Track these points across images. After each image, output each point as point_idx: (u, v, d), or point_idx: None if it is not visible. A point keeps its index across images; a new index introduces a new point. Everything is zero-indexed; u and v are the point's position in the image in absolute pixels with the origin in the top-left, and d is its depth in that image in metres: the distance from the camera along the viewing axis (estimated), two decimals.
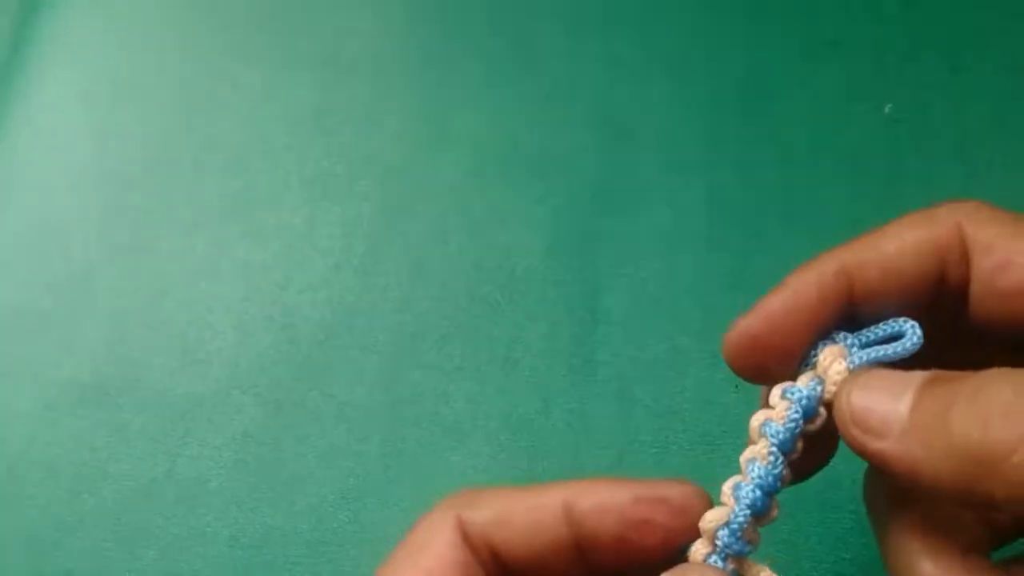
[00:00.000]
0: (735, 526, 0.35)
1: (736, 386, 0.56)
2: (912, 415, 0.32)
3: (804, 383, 0.36)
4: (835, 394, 0.35)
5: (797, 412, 0.36)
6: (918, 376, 0.33)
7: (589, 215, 0.62)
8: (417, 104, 0.66)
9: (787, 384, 0.37)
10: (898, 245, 0.36)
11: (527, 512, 0.35)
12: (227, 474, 0.56)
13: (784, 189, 0.61)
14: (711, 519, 0.35)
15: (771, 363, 0.36)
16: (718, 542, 0.35)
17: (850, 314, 0.36)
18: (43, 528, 0.56)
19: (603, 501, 0.35)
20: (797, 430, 0.36)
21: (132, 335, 0.60)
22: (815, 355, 0.36)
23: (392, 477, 0.55)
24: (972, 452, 0.30)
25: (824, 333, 0.37)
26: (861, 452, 0.34)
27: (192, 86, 0.68)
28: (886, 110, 0.62)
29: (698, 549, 0.35)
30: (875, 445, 0.33)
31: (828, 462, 0.39)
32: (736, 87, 0.65)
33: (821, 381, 0.36)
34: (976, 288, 0.35)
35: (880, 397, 0.33)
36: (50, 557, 0.55)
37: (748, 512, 0.35)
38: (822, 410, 0.36)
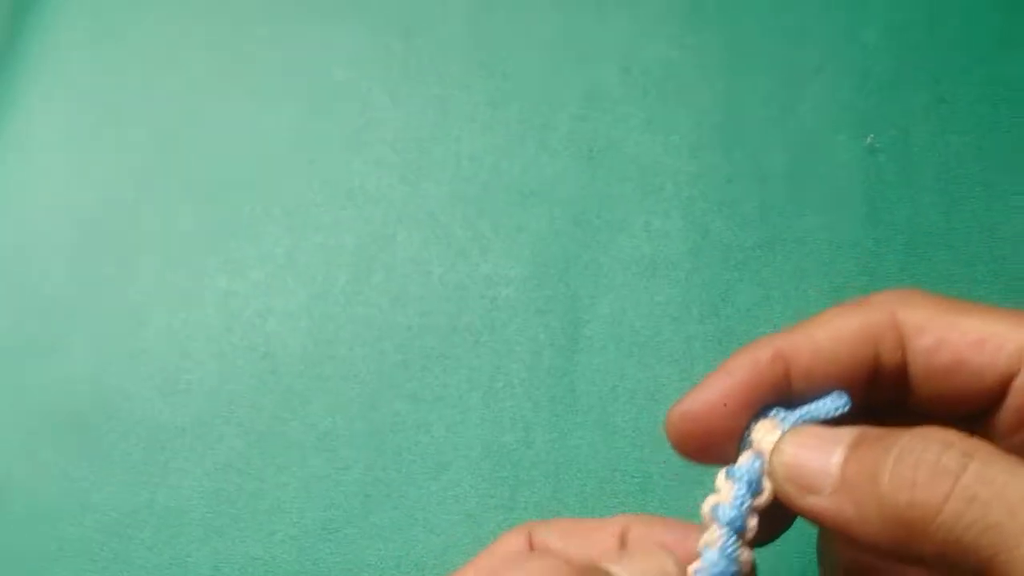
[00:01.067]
0: None
1: None
2: (843, 473, 0.33)
3: (745, 461, 0.37)
4: (769, 453, 0.36)
5: (742, 490, 0.36)
6: (847, 432, 0.34)
7: (569, 243, 0.62)
8: (398, 133, 0.66)
9: (729, 466, 0.37)
10: (830, 332, 0.37)
11: (590, 536, 0.37)
12: (208, 504, 0.56)
13: (764, 217, 0.61)
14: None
15: (713, 444, 0.37)
16: None
17: (787, 397, 0.37)
18: (24, 557, 0.55)
19: (650, 535, 0.37)
20: (745, 507, 0.36)
21: (112, 365, 0.60)
22: (749, 433, 0.37)
23: (373, 507, 0.55)
24: (901, 514, 0.31)
25: (760, 412, 0.37)
26: (796, 508, 0.35)
27: (173, 115, 0.68)
28: (868, 140, 0.62)
29: None
30: (808, 501, 0.34)
31: (789, 526, 0.39)
32: (717, 114, 0.65)
33: (760, 456, 0.36)
34: (914, 370, 0.36)
35: (811, 454, 0.34)
36: None
37: None
38: (767, 483, 0.37)
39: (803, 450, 0.34)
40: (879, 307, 0.37)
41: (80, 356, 0.60)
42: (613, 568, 0.34)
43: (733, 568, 0.36)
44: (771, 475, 0.36)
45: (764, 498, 0.37)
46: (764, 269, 0.59)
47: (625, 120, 0.66)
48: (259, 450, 0.57)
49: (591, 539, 0.37)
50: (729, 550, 0.36)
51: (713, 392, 0.37)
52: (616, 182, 0.63)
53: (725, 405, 0.37)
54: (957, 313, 0.36)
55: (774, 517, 0.37)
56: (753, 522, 0.37)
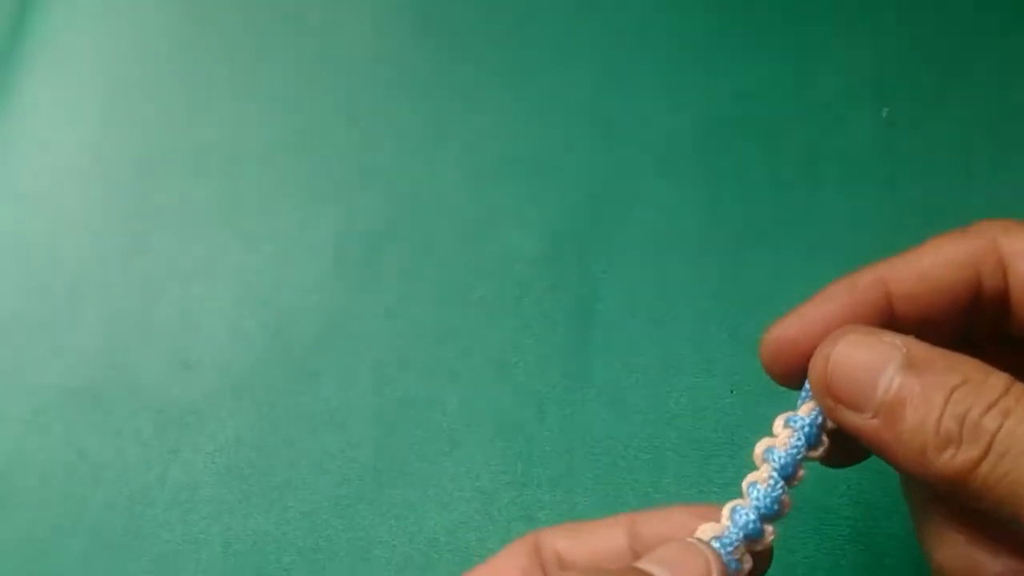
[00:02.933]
0: (728, 544, 0.36)
1: (732, 391, 0.56)
2: (889, 402, 0.34)
3: (806, 412, 0.37)
4: (812, 358, 0.36)
5: (800, 440, 0.37)
6: (897, 351, 0.34)
7: (583, 220, 0.61)
8: (411, 108, 0.66)
9: (789, 413, 0.37)
10: (934, 257, 0.37)
11: (595, 534, 0.38)
12: (220, 480, 0.56)
13: (779, 194, 0.61)
14: (705, 531, 0.36)
15: (802, 369, 0.38)
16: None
17: (889, 322, 0.37)
18: (35, 534, 0.55)
19: (663, 530, 0.37)
20: (799, 456, 0.37)
21: (124, 340, 0.60)
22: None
23: (385, 483, 0.55)
24: (940, 464, 0.33)
25: None
26: (830, 415, 0.36)
27: (185, 91, 0.67)
28: (884, 114, 0.61)
29: None
30: (845, 416, 0.35)
31: (864, 458, 0.40)
32: (730, 90, 0.65)
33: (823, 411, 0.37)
34: (1015, 295, 0.37)
35: (857, 370, 0.35)
36: (42, 563, 0.55)
37: (741, 534, 0.36)
38: (824, 438, 0.37)
39: (847, 361, 0.35)
40: (981, 234, 0.37)
41: (91, 331, 0.60)
42: (649, 566, 0.34)
43: (775, 508, 0.36)
44: (811, 379, 0.36)
45: (820, 452, 0.37)
46: (779, 244, 0.59)
47: (638, 96, 0.65)
48: (271, 426, 0.57)
49: (599, 535, 0.38)
50: (775, 491, 0.36)
51: (811, 316, 0.37)
52: (629, 158, 0.63)
53: (825, 327, 0.37)
54: None
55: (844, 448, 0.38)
56: (801, 472, 0.37)
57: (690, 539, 0.35)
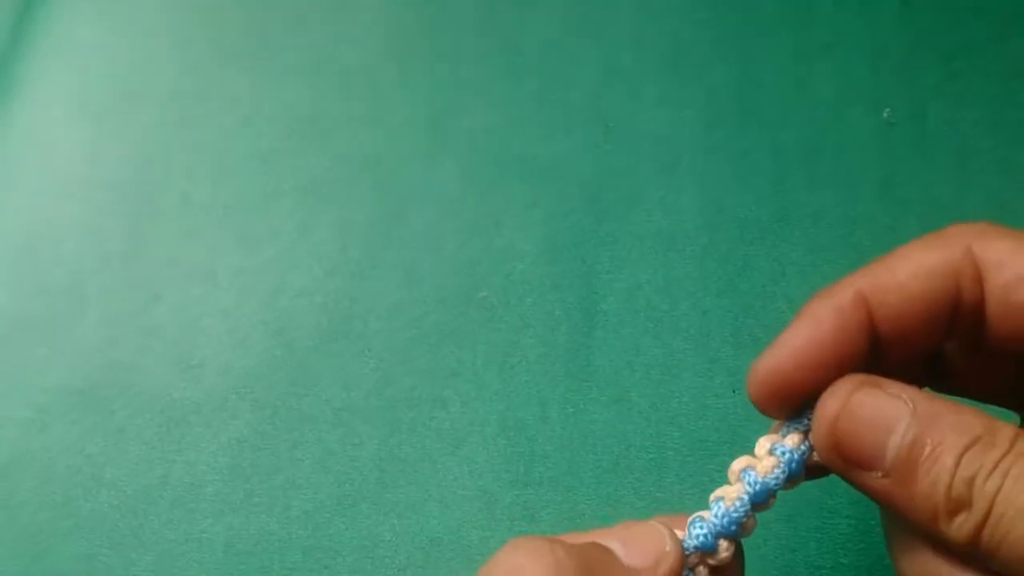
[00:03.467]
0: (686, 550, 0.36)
1: (734, 390, 0.56)
2: (899, 462, 0.33)
3: (794, 443, 0.37)
4: (817, 416, 0.35)
5: (783, 472, 0.36)
6: (904, 407, 0.34)
7: (584, 218, 0.61)
8: (410, 108, 0.66)
9: (775, 438, 0.37)
10: (911, 268, 0.36)
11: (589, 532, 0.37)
12: (223, 479, 0.56)
13: (779, 192, 0.61)
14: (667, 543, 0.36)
15: (797, 399, 0.37)
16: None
17: (873, 341, 0.37)
18: (38, 534, 0.55)
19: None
20: (776, 487, 0.36)
21: (126, 340, 0.60)
22: (809, 416, 0.36)
23: (388, 482, 0.55)
24: (949, 527, 0.33)
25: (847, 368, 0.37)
26: (839, 474, 0.35)
27: (185, 92, 0.67)
28: (885, 114, 0.62)
29: None
30: (857, 476, 0.34)
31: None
32: (731, 89, 0.65)
33: (810, 447, 0.36)
34: (992, 306, 0.36)
35: (865, 428, 0.34)
36: (45, 563, 0.55)
37: (694, 548, 0.36)
38: (802, 472, 0.37)
39: (856, 421, 0.34)
40: (955, 241, 0.36)
41: (93, 332, 0.60)
42: (608, 541, 0.34)
43: (732, 529, 0.36)
44: (816, 437, 0.35)
45: (796, 483, 0.37)
46: (779, 243, 0.59)
47: (639, 95, 0.66)
48: (273, 426, 0.57)
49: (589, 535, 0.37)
50: (737, 513, 0.36)
51: (800, 345, 0.36)
52: (631, 157, 0.63)
53: (814, 358, 0.36)
54: None
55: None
56: (772, 500, 0.37)
57: (650, 520, 0.36)
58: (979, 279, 0.36)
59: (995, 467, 0.31)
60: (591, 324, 0.58)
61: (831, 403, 0.35)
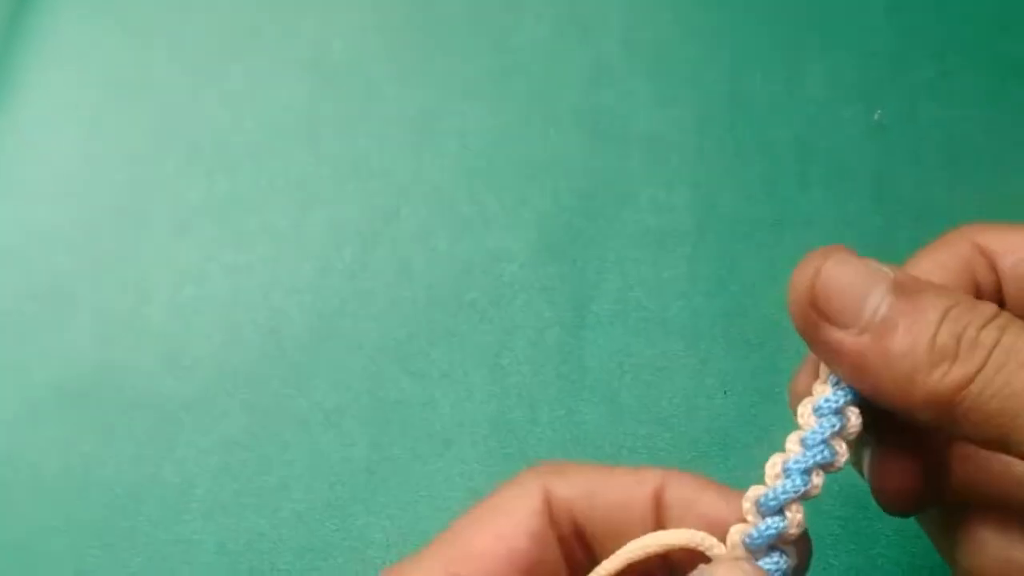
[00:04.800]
0: (775, 498, 0.34)
1: (725, 391, 0.56)
2: (880, 318, 0.33)
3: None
4: (796, 272, 0.35)
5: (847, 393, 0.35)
6: (886, 272, 0.34)
7: (575, 218, 0.61)
8: (402, 106, 0.66)
9: (811, 402, 0.36)
10: (928, 265, 0.38)
11: (618, 489, 0.35)
12: (213, 480, 0.56)
13: (771, 192, 0.61)
14: (750, 495, 0.35)
15: None
16: (754, 522, 0.35)
17: None
18: (28, 534, 0.55)
19: (692, 500, 0.35)
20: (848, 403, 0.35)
21: (117, 339, 0.60)
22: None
23: (378, 484, 0.55)
24: (932, 384, 0.32)
25: None
26: (808, 336, 0.35)
27: (177, 90, 0.67)
28: (876, 116, 0.62)
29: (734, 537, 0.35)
30: (829, 333, 0.34)
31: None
32: (722, 88, 0.65)
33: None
34: (1008, 287, 0.37)
35: (845, 283, 0.34)
36: (34, 563, 0.55)
37: (788, 496, 0.35)
38: (852, 421, 0.35)
39: (837, 276, 0.34)
40: (959, 239, 0.38)
41: (84, 330, 0.60)
42: None
43: (826, 454, 0.35)
44: (792, 292, 0.35)
45: (846, 428, 0.35)
46: (771, 243, 0.59)
47: (630, 94, 0.65)
48: (264, 426, 0.57)
49: (620, 495, 0.35)
50: (825, 434, 0.35)
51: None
52: (621, 156, 0.63)
53: None
54: None
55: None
56: (843, 448, 0.35)
57: (732, 562, 0.34)
58: (992, 266, 0.37)
59: (988, 321, 0.32)
60: (582, 325, 0.58)
61: (814, 257, 0.35)
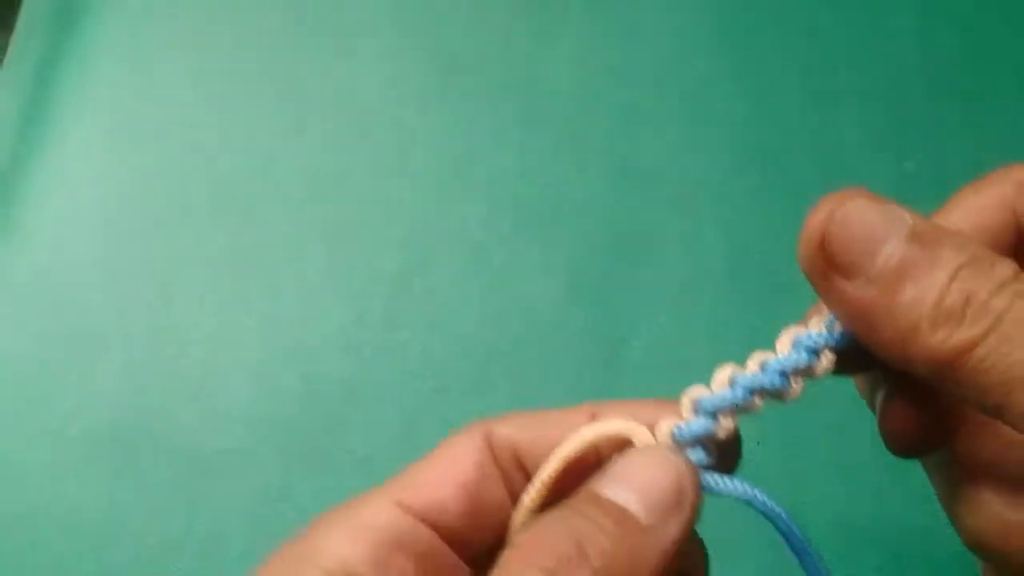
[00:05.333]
0: (696, 432, 0.35)
1: (758, 442, 0.55)
2: (889, 270, 0.31)
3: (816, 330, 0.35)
4: (809, 217, 0.34)
5: (797, 362, 0.35)
6: (903, 220, 0.32)
7: (606, 263, 0.62)
8: (434, 154, 0.66)
9: (801, 331, 0.36)
10: (967, 206, 0.36)
11: (554, 424, 0.35)
12: (248, 530, 0.56)
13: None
14: (693, 392, 0.35)
15: None
16: (694, 412, 0.35)
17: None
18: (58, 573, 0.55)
19: (623, 415, 0.35)
20: (788, 372, 0.35)
21: (150, 388, 0.60)
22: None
23: None
24: (935, 343, 0.31)
25: None
26: (814, 281, 0.34)
27: (209, 137, 0.68)
28: (906, 167, 0.62)
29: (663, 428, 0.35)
30: (835, 283, 0.33)
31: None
32: (752, 132, 0.65)
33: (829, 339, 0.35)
34: None
35: (857, 230, 0.32)
36: None
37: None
38: (822, 365, 0.35)
39: (851, 222, 0.32)
40: (1003, 179, 0.36)
41: (117, 378, 0.60)
42: (610, 490, 0.32)
43: (743, 401, 0.35)
44: (802, 237, 0.34)
45: (812, 369, 0.35)
46: (803, 288, 0.59)
47: (659, 138, 0.66)
48: (298, 475, 0.57)
49: (558, 427, 0.35)
50: (778, 380, 0.35)
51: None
52: (651, 199, 0.63)
53: None
54: None
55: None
56: (799, 385, 0.35)
57: (654, 446, 0.34)
58: None
59: (1002, 286, 0.30)
60: (617, 369, 0.58)
61: (829, 200, 0.33)
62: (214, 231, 0.65)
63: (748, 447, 0.55)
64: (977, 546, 0.36)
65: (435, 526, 0.34)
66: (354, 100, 0.68)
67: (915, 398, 0.35)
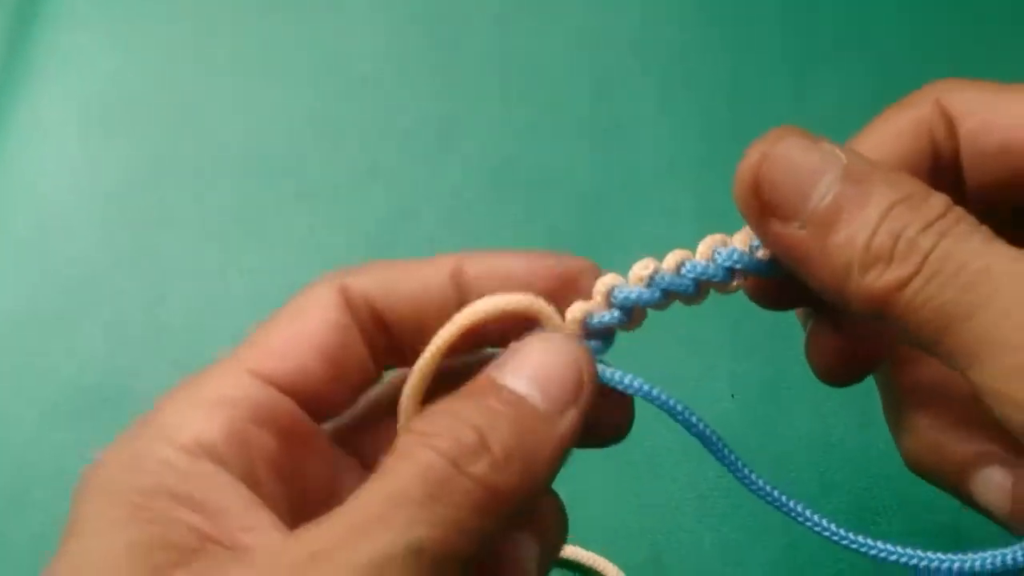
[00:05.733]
0: (605, 318, 0.36)
1: (732, 395, 0.56)
2: (823, 212, 0.31)
3: (739, 242, 0.36)
4: (743, 159, 0.34)
5: (717, 270, 0.36)
6: (836, 159, 0.32)
7: (585, 226, 0.62)
8: (418, 117, 0.66)
9: (720, 241, 0.36)
10: (883, 131, 0.36)
11: (414, 276, 0.35)
12: None
13: None
14: (607, 281, 0.36)
15: None
16: (612, 301, 0.36)
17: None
18: (49, 532, 0.55)
19: (492, 267, 0.35)
20: (699, 278, 0.36)
21: (134, 342, 0.61)
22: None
23: None
24: (868, 283, 0.31)
25: None
26: (753, 224, 0.34)
27: (196, 95, 0.68)
28: None
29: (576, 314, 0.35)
30: (772, 227, 0.32)
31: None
32: (729, 98, 0.66)
33: (757, 247, 0.35)
34: (964, 155, 0.35)
35: (789, 176, 0.32)
36: None
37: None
38: (735, 283, 0.36)
39: (783, 165, 0.32)
40: (923, 99, 0.36)
41: (103, 332, 0.61)
42: (512, 381, 0.32)
43: (690, 290, 0.36)
44: (736, 181, 0.34)
45: (731, 287, 0.36)
46: None
47: (637, 103, 0.66)
48: None
49: (417, 280, 0.35)
50: (686, 283, 0.36)
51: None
52: (629, 164, 0.64)
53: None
54: (1003, 95, 0.35)
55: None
56: (706, 295, 0.36)
57: (556, 336, 0.34)
58: (953, 133, 0.35)
59: (930, 225, 0.30)
60: None
61: (762, 142, 0.33)
62: (200, 192, 0.65)
63: (723, 400, 0.56)
64: (915, 467, 0.36)
65: (294, 394, 0.33)
66: (342, 64, 0.69)
67: (841, 329, 0.36)
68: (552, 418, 0.31)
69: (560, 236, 0.61)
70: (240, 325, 0.59)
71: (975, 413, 0.32)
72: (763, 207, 0.33)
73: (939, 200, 0.31)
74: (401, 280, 0.35)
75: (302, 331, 0.34)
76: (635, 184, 0.63)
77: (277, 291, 0.60)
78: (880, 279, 0.30)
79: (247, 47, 0.69)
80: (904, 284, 0.30)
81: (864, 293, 0.31)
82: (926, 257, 0.30)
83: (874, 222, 0.31)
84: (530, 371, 0.32)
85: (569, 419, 0.32)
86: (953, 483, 0.34)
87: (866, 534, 0.38)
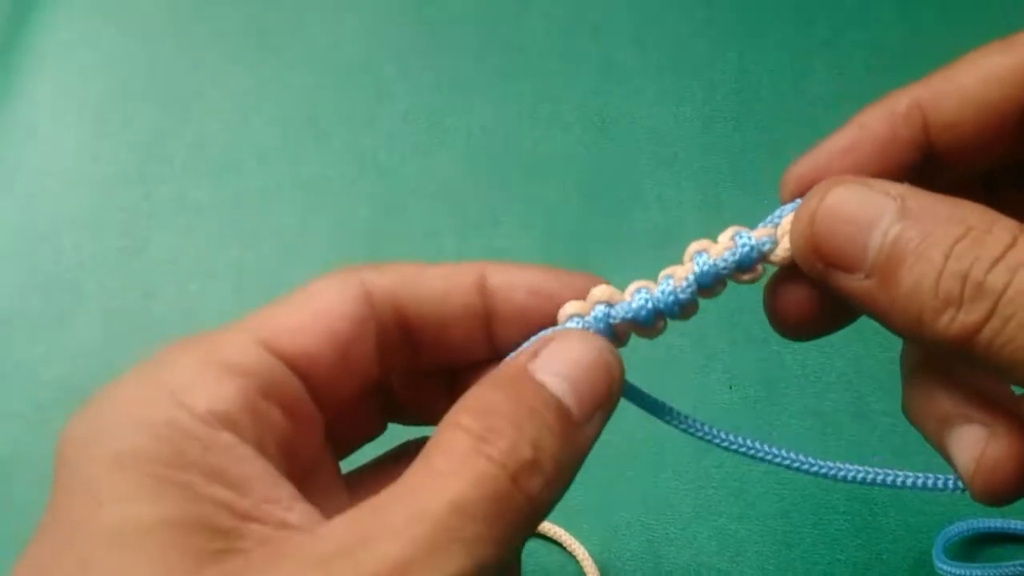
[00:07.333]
0: (614, 315, 0.35)
1: (731, 386, 0.56)
2: (883, 259, 0.30)
3: (759, 235, 0.34)
4: (795, 214, 0.32)
5: (733, 255, 0.34)
6: (890, 200, 0.30)
7: (582, 215, 0.62)
8: (409, 106, 0.66)
9: (742, 228, 0.35)
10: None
11: (440, 279, 0.34)
12: None
13: (777, 189, 0.61)
14: (597, 294, 0.35)
15: None
16: (590, 315, 0.34)
17: (926, 151, 0.33)
18: (32, 529, 0.55)
19: (516, 277, 0.34)
20: (725, 271, 0.35)
21: (124, 336, 0.60)
22: (781, 215, 0.34)
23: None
24: (940, 328, 0.29)
25: (898, 174, 0.33)
26: (817, 279, 0.32)
27: (183, 89, 0.67)
28: None
29: (568, 311, 0.34)
30: (837, 279, 0.31)
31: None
32: (728, 86, 0.65)
33: (774, 241, 0.34)
34: (934, 132, 0.33)
35: (846, 226, 0.30)
36: None
37: (631, 316, 0.35)
38: (760, 268, 0.34)
39: (835, 217, 0.31)
40: (902, 97, 0.34)
41: (92, 328, 0.60)
42: (547, 377, 0.30)
43: (674, 309, 0.35)
44: (794, 237, 0.32)
45: (749, 277, 0.35)
46: None
47: (637, 92, 0.66)
48: None
49: (443, 281, 0.34)
50: (683, 293, 0.35)
51: (841, 148, 0.33)
52: (628, 153, 0.63)
53: (856, 162, 0.33)
54: (955, 66, 0.33)
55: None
56: (721, 287, 0.35)
57: (587, 332, 0.33)
58: (924, 124, 0.33)
59: (997, 261, 0.28)
60: None
61: (811, 198, 0.32)
62: (189, 183, 0.64)
63: (721, 391, 0.56)
64: (906, 411, 0.35)
65: (302, 375, 0.31)
66: (332, 52, 0.68)
67: (804, 287, 0.34)
68: (582, 426, 0.30)
69: (558, 227, 0.61)
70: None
71: (973, 375, 0.32)
72: (825, 263, 0.31)
73: (1004, 229, 0.29)
74: (427, 282, 0.34)
75: (317, 315, 0.32)
76: (635, 174, 0.63)
77: (268, 284, 0.60)
78: (953, 325, 0.29)
79: (233, 39, 0.69)
80: (979, 328, 0.28)
81: (940, 339, 0.29)
82: (998, 299, 0.28)
83: (939, 265, 0.29)
84: (563, 368, 0.31)
85: (595, 425, 0.30)
86: (934, 433, 0.33)
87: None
